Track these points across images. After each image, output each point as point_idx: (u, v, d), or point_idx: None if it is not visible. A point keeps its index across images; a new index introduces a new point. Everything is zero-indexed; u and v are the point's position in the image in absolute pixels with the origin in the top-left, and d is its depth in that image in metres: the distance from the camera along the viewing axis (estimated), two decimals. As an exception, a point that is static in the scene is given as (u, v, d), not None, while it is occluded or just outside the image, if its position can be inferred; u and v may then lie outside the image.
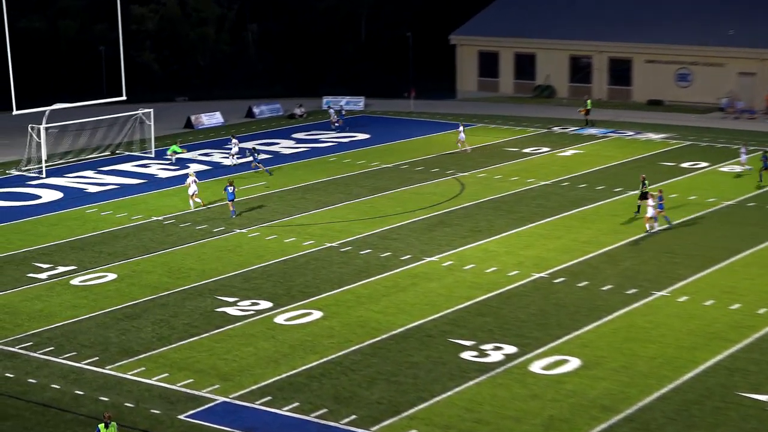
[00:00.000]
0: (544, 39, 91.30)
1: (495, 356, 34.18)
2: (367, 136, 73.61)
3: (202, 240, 48.03)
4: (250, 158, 62.71)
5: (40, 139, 62.90)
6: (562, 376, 32.68)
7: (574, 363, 33.56)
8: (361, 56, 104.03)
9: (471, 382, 32.20)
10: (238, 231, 49.30)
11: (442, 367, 33.41)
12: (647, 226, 47.98)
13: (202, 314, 38.39)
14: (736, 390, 31.51)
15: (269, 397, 31.35)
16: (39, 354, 34.97)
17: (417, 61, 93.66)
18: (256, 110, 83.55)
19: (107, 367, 33.71)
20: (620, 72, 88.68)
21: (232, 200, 51.54)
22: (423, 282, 41.73)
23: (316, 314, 38.26)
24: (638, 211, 50.32)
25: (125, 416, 29.97)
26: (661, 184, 55.13)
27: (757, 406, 30.48)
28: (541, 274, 42.43)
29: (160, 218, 51.88)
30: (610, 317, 37.64)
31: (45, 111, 63.68)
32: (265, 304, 39.26)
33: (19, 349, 35.44)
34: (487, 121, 79.02)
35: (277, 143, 71.30)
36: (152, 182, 60.17)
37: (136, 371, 33.32)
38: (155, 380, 32.64)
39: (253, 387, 32.07)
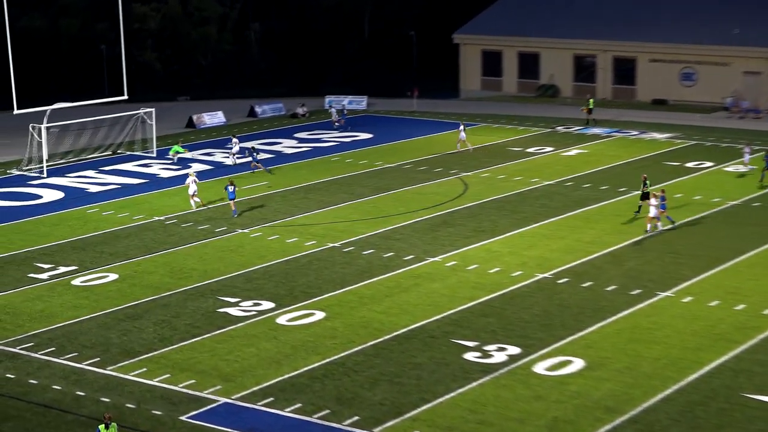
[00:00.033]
0: (548, 38, 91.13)
1: (498, 357, 34.01)
2: (369, 135, 73.45)
3: (204, 240, 47.88)
4: (250, 158, 62.53)
5: (41, 138, 62.78)
6: (566, 377, 32.51)
7: (578, 364, 33.39)
8: (364, 55, 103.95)
9: (474, 384, 32.03)
10: (240, 231, 49.15)
11: (445, 368, 33.25)
12: (648, 226, 47.78)
13: (204, 315, 38.25)
14: (741, 391, 31.33)
15: (271, 398, 31.21)
16: (40, 355, 34.85)
17: (420, 60, 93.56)
18: (258, 110, 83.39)
19: (108, 368, 33.58)
20: (624, 71, 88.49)
21: (233, 199, 51.40)
22: (426, 282, 41.56)
23: (319, 315, 38.10)
24: (638, 211, 50.15)
25: (127, 417, 29.85)
26: (665, 183, 54.93)
27: (762, 408, 30.31)
28: (545, 275, 42.24)
29: (161, 218, 51.73)
30: (614, 318, 37.47)
31: (46, 110, 63.53)
32: (267, 305, 39.11)
33: (20, 349, 35.32)
34: (490, 120, 78.84)
35: (280, 143, 71.15)
36: (154, 182, 60.02)
37: (137, 372, 33.19)
38: (157, 381, 32.50)
39: (255, 388, 31.93)
